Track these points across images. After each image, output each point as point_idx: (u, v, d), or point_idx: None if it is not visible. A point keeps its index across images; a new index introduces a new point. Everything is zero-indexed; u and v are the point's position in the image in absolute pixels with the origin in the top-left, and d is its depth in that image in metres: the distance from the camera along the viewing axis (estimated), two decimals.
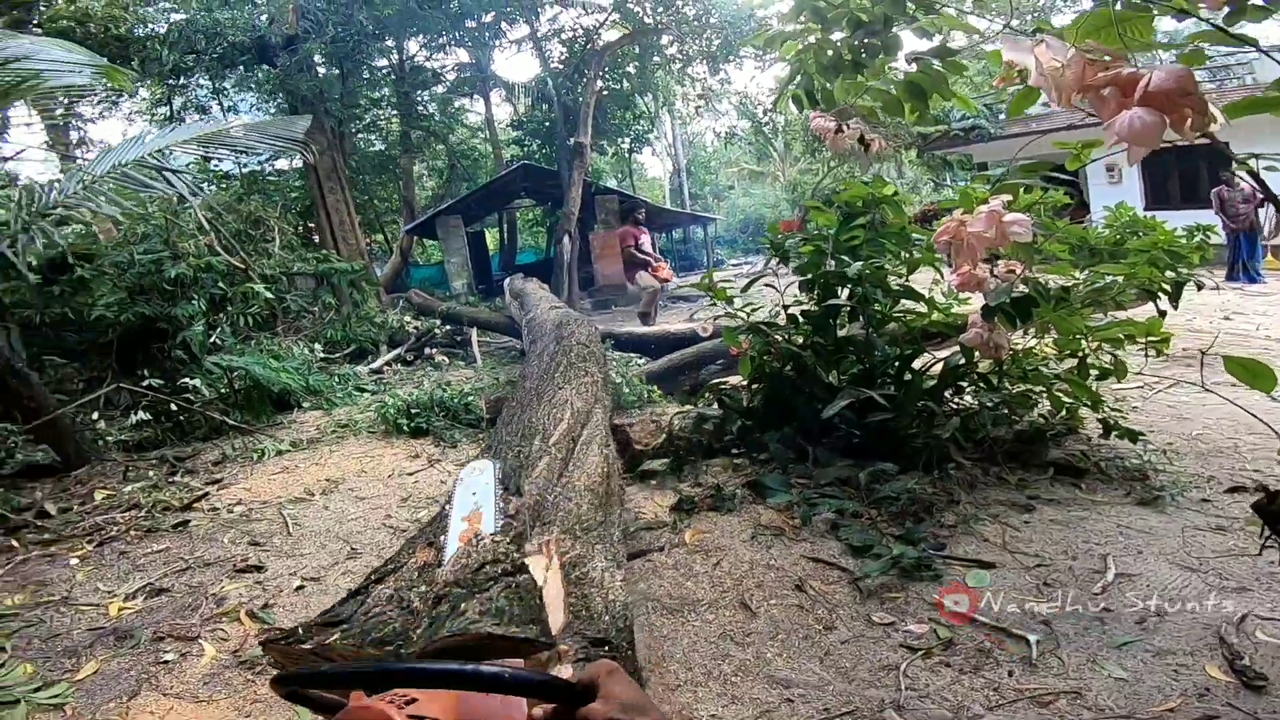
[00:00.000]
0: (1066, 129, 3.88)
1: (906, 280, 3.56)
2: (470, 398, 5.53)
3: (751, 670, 2.00)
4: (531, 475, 2.18)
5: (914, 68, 2.37)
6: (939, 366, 3.53)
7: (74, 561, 3.25)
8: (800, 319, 3.64)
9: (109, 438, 5.23)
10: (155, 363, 5.98)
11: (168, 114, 13.45)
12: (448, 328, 9.54)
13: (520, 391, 3.44)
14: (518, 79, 18.60)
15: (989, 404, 3.46)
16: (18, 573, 3.15)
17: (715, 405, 3.89)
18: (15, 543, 3.48)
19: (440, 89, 18.12)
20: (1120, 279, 3.20)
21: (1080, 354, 3.32)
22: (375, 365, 8.08)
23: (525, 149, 19.09)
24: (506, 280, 10.18)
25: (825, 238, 3.48)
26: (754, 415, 3.73)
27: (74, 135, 12.75)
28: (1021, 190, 2.79)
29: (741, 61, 16.27)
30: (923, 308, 3.59)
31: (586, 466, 2.36)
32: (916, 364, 3.56)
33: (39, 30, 9.69)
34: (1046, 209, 3.41)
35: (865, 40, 2.55)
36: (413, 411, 5.29)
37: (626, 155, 21.39)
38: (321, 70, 12.84)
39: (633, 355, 6.77)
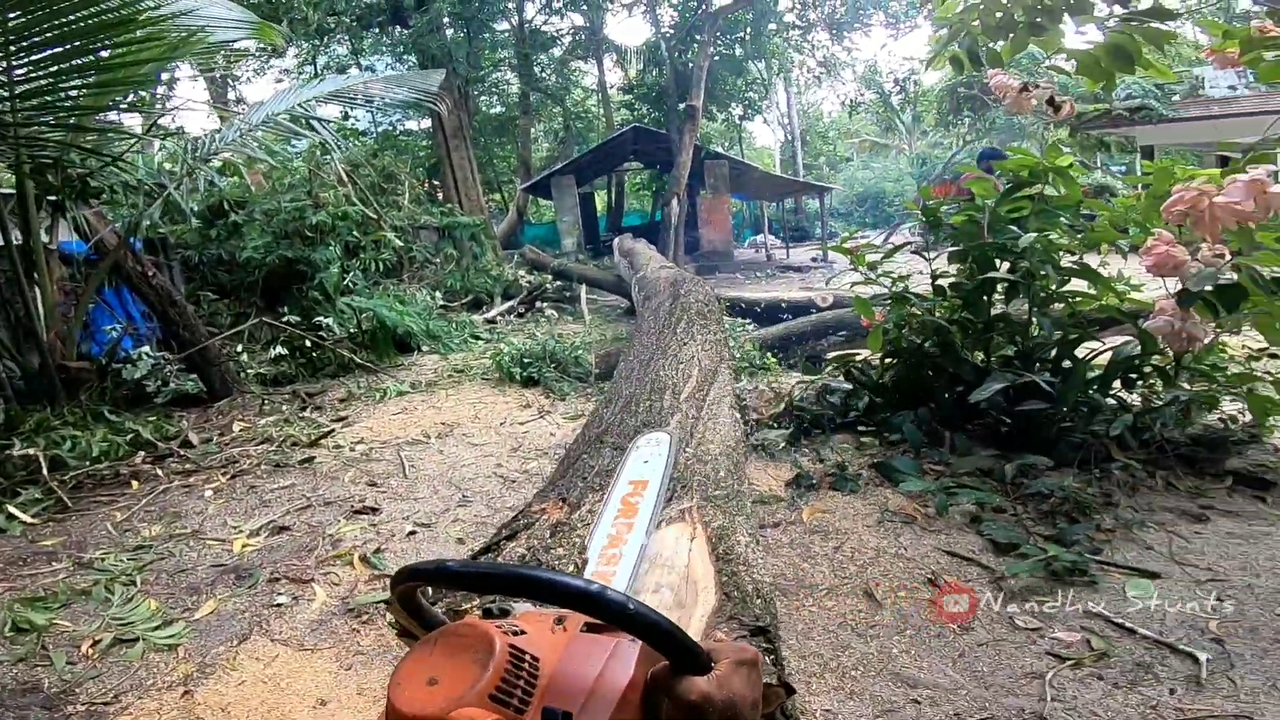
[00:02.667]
0: (1260, 113, 3.20)
1: (1079, 259, 2.99)
2: (580, 351, 5.33)
3: (874, 665, 1.75)
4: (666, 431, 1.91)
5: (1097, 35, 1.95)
6: (1105, 355, 2.95)
7: (208, 494, 3.23)
8: (949, 292, 3.15)
9: (249, 370, 5.37)
10: (294, 302, 6.15)
11: (312, 73, 13.84)
12: (558, 283, 9.47)
13: (637, 345, 3.17)
14: (630, 43, 18.02)
15: (1162, 401, 2.87)
16: (158, 503, 3.15)
17: (842, 378, 3.45)
18: (160, 471, 3.51)
19: (556, 52, 17.75)
20: None
21: None
22: (490, 315, 8.09)
23: (635, 113, 18.56)
24: (616, 240, 9.95)
25: (980, 208, 2.99)
26: (885, 393, 3.27)
27: (230, 95, 13.34)
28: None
29: (869, 29, 14.99)
30: (1092, 290, 3.00)
31: (719, 428, 2.07)
32: (1080, 351, 3.00)
33: None
34: None
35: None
36: (525, 361, 5.13)
37: (737, 123, 20.34)
38: (449, 32, 12.78)
39: (739, 320, 6.30)
